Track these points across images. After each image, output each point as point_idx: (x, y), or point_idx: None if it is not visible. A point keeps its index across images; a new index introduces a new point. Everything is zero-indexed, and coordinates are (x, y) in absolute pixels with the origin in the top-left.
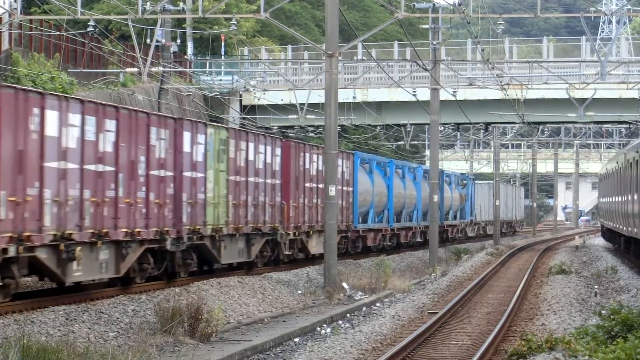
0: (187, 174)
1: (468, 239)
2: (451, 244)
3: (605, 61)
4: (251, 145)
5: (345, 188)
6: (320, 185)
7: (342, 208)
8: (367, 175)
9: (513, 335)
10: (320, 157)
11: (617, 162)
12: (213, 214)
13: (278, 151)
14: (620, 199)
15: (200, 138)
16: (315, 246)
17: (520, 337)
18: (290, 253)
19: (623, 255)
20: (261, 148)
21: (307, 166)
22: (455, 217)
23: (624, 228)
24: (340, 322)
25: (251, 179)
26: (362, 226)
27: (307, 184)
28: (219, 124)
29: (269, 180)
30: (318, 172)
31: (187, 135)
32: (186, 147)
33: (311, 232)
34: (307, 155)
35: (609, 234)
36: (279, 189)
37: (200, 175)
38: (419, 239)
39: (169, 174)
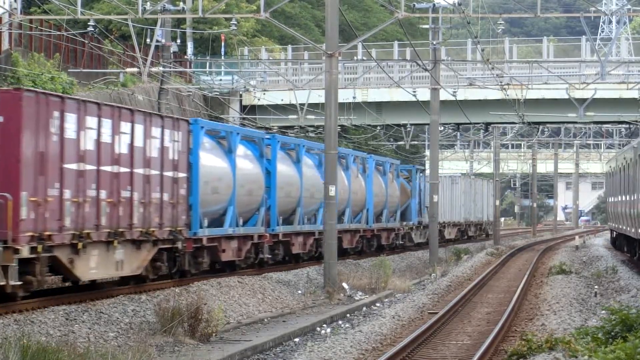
0: None
1: (417, 246)
2: (389, 253)
3: (605, 61)
4: None
5: (167, 173)
6: (107, 168)
7: (163, 205)
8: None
9: (513, 336)
10: (109, 120)
11: None
12: None
13: None
14: None
15: None
16: (95, 267)
17: (520, 337)
18: (21, 283)
19: (623, 255)
20: None
21: (71, 135)
22: (393, 219)
23: None
24: (340, 322)
25: None
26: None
27: (71, 165)
28: None
29: None
30: (101, 144)
31: None
32: None
33: (81, 245)
34: (72, 116)
35: (624, 243)
36: None
37: None
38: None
39: None
